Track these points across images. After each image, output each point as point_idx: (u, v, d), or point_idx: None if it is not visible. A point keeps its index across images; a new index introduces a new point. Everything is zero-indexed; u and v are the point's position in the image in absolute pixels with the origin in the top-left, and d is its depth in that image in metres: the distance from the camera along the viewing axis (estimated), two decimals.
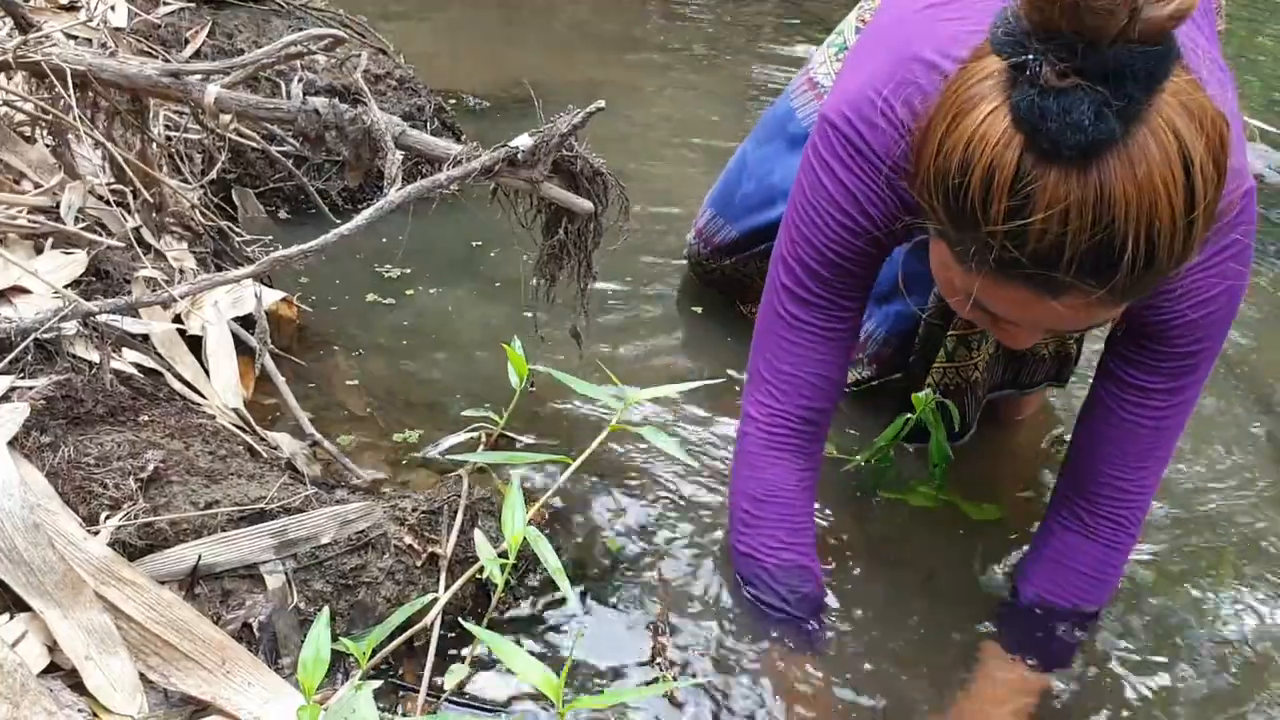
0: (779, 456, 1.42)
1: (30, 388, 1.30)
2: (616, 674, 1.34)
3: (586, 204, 1.57)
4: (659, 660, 1.37)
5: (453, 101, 2.93)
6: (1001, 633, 1.46)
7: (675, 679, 1.33)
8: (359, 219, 1.42)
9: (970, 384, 1.68)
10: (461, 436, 1.65)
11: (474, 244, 2.30)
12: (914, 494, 1.71)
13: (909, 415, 1.63)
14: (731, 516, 1.47)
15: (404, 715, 1.23)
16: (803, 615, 1.42)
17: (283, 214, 2.31)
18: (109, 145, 1.63)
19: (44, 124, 1.71)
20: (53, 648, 1.13)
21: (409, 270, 2.17)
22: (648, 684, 1.32)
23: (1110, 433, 1.36)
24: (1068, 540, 1.42)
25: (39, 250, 1.58)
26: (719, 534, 1.57)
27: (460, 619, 1.33)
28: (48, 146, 1.75)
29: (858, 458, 1.73)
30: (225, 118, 1.81)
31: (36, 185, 1.68)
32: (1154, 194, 0.95)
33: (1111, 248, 0.97)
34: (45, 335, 1.36)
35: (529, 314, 1.73)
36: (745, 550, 1.44)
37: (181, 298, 1.35)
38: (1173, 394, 1.32)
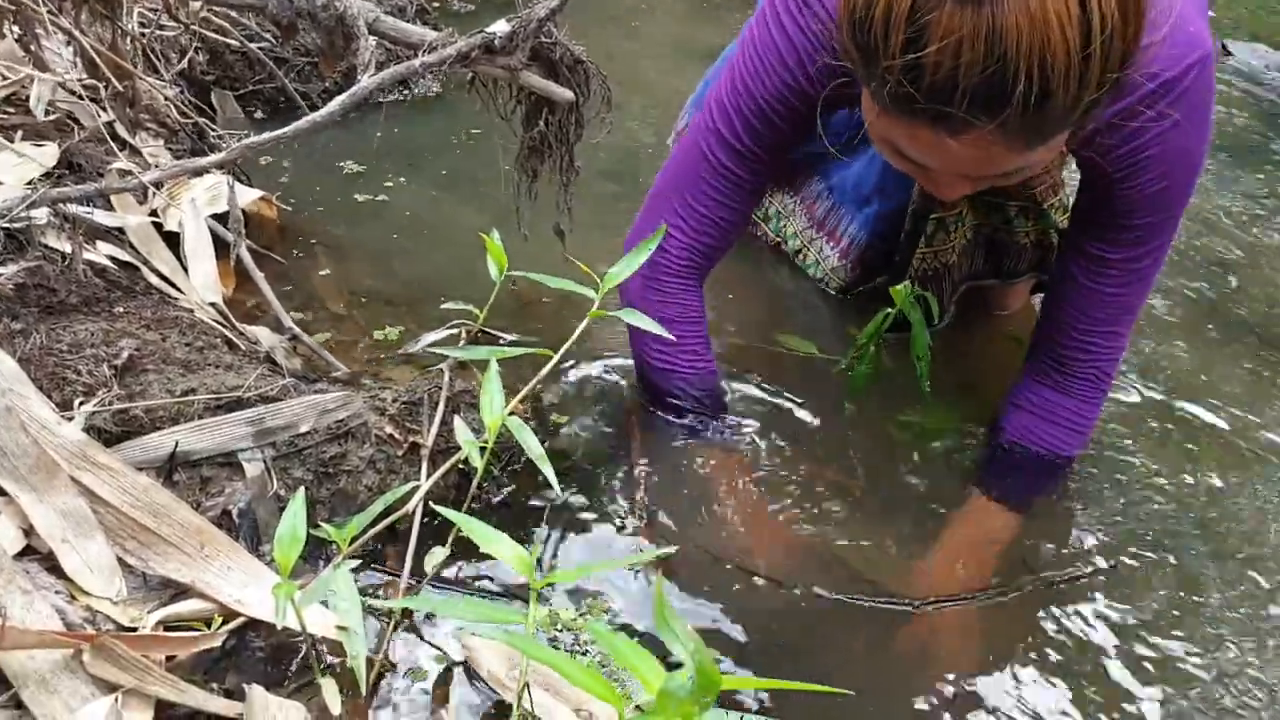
0: (687, 284, 1.51)
1: None
2: (598, 556, 1.34)
3: (567, 93, 1.53)
4: (639, 541, 1.38)
5: (436, 4, 2.87)
6: (982, 476, 1.52)
7: (654, 555, 1.33)
8: (332, 105, 1.38)
9: (946, 268, 1.68)
10: (442, 333, 1.63)
11: (456, 142, 2.26)
12: (895, 420, 1.67)
13: (889, 310, 1.61)
14: (642, 339, 1.52)
15: (384, 599, 1.24)
16: (719, 415, 1.53)
17: (260, 115, 2.27)
18: (78, 35, 1.58)
19: (10, 14, 1.66)
20: (28, 531, 1.12)
21: (390, 170, 2.13)
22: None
23: (1075, 300, 1.43)
24: (1044, 395, 1.50)
25: (9, 141, 1.55)
26: None
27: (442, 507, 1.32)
28: (16, 40, 1.70)
29: (846, 354, 1.71)
30: (195, 5, 1.76)
31: (4, 78, 1.64)
32: (1047, 26, 0.95)
33: (1004, 81, 0.97)
34: (15, 225, 1.34)
35: (511, 210, 1.70)
36: (664, 366, 1.51)
37: (152, 185, 1.32)
38: (1130, 263, 1.38)
